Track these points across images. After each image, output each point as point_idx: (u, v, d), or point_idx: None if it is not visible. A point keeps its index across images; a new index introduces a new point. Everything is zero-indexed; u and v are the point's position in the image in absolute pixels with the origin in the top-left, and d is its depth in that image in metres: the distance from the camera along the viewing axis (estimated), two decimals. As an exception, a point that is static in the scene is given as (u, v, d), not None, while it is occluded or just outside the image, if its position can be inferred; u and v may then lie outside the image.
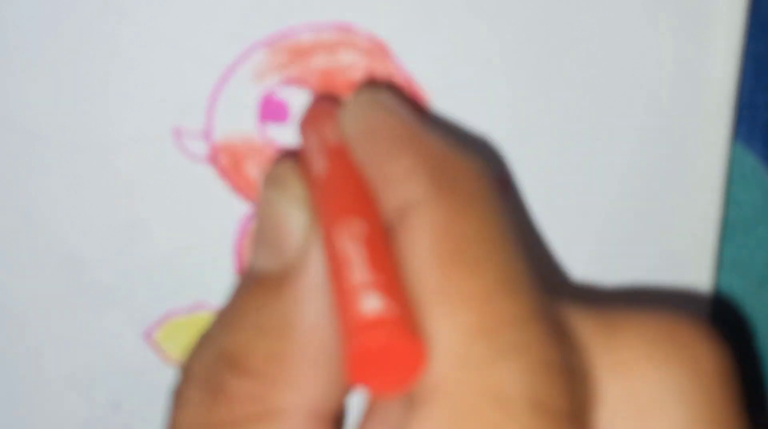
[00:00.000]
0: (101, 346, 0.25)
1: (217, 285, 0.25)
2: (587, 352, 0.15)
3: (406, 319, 0.15)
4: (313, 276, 0.17)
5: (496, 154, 0.25)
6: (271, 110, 0.23)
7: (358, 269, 0.15)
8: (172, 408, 0.18)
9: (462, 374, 0.14)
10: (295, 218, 0.18)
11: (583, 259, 0.26)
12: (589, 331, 0.16)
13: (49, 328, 0.25)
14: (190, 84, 0.23)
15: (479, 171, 0.17)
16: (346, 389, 0.18)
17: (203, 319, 0.25)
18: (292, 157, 0.20)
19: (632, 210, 0.26)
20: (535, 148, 0.25)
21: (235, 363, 0.17)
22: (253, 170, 0.24)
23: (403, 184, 0.16)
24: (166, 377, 0.26)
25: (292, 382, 0.17)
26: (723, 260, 0.28)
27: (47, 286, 0.24)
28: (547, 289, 0.16)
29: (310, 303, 0.17)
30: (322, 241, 0.17)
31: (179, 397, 0.18)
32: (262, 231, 0.19)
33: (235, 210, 0.24)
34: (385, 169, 0.17)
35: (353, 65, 0.23)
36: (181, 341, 0.25)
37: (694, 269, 0.27)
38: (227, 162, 0.24)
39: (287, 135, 0.24)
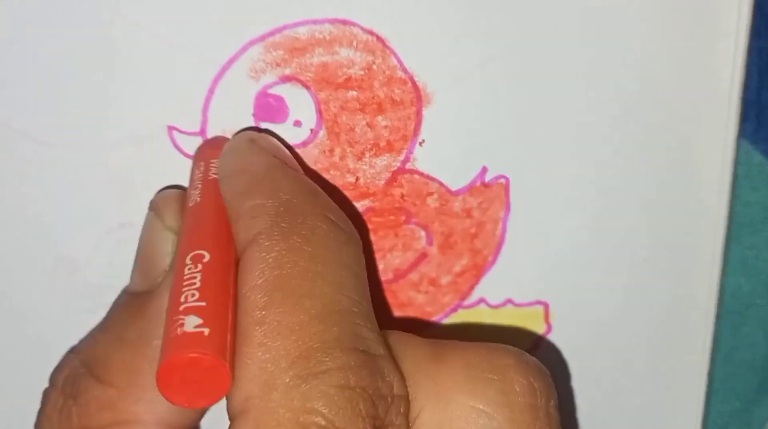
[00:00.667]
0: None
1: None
2: (412, 380, 0.17)
3: (216, 341, 0.16)
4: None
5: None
6: (267, 108, 0.23)
7: (189, 290, 0.17)
8: (38, 413, 0.19)
9: (269, 396, 0.15)
10: (163, 243, 0.20)
11: (587, 259, 0.26)
12: (418, 358, 0.17)
13: (41, 329, 0.25)
14: (185, 82, 0.23)
15: (322, 209, 0.18)
16: (200, 409, 0.19)
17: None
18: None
19: (637, 210, 0.26)
20: (536, 145, 0.25)
21: (93, 370, 0.19)
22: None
23: (248, 221, 0.18)
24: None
25: (144, 395, 0.18)
26: (730, 261, 0.28)
27: (40, 286, 0.24)
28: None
29: (163, 321, 0.18)
30: (176, 262, 0.19)
31: (43, 401, 0.19)
32: (138, 253, 0.21)
33: (231, 210, 0.24)
34: (237, 207, 0.19)
35: (352, 61, 0.23)
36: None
37: (702, 270, 0.27)
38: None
39: (283, 132, 0.23)
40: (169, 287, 0.19)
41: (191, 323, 0.16)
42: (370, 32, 0.23)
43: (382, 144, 0.24)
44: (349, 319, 0.17)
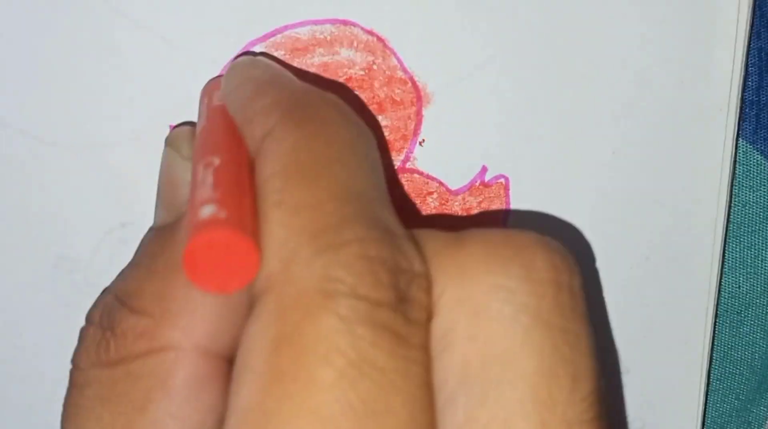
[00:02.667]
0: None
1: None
2: (433, 262, 0.16)
3: (237, 222, 0.16)
4: None
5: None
6: (269, 107, 0.23)
7: (202, 190, 0.17)
8: (75, 349, 0.19)
9: (290, 270, 0.15)
10: (183, 173, 0.20)
11: (586, 259, 0.26)
12: (438, 242, 0.17)
13: (42, 329, 0.25)
14: (187, 82, 0.23)
15: (333, 102, 0.19)
16: (237, 331, 0.19)
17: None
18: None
19: (636, 209, 0.26)
20: (536, 145, 0.25)
21: (126, 302, 0.19)
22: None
23: (261, 118, 0.18)
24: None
25: (179, 321, 0.18)
26: (729, 261, 0.28)
27: (41, 286, 0.24)
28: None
29: None
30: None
31: (80, 338, 0.19)
32: (159, 189, 0.21)
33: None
34: (248, 110, 0.19)
35: (352, 61, 0.23)
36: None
37: (700, 269, 0.27)
38: (224, 160, 0.24)
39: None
40: None
41: (207, 211, 0.16)
42: (371, 33, 0.23)
43: (383, 144, 0.24)
44: (367, 199, 0.16)
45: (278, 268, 0.15)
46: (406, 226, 0.17)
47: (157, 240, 0.20)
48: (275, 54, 0.23)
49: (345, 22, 0.23)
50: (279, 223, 0.16)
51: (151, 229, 0.21)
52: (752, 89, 0.26)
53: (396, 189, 0.25)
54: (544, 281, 0.16)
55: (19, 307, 0.25)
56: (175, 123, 0.23)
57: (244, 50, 0.23)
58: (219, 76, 0.23)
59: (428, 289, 0.16)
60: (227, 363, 0.19)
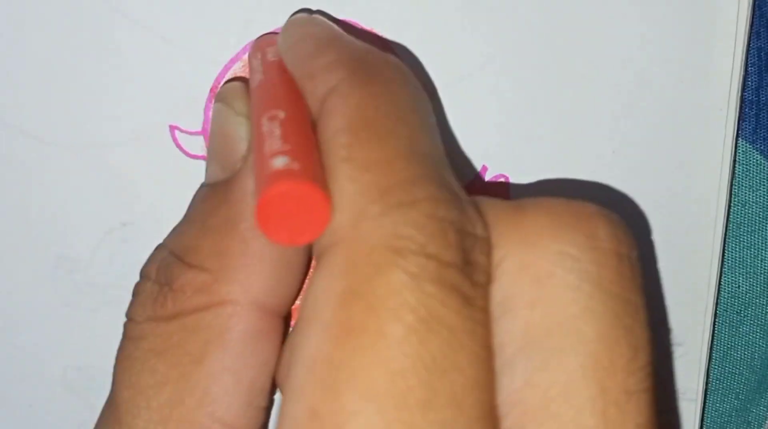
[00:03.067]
0: (96, 347, 0.25)
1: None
2: (494, 228, 0.17)
3: (310, 174, 0.16)
4: (254, 179, 0.19)
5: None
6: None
7: (271, 141, 0.17)
8: (130, 304, 0.19)
9: (359, 224, 0.15)
10: (237, 129, 0.20)
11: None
12: (499, 210, 0.17)
13: (43, 328, 0.25)
14: (187, 81, 0.23)
15: (395, 63, 0.19)
16: (293, 287, 0.19)
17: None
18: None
19: (636, 209, 0.26)
20: (536, 145, 0.25)
21: (183, 258, 0.19)
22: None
23: (324, 75, 0.18)
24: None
25: (236, 276, 0.18)
26: (729, 260, 0.28)
27: (41, 285, 0.24)
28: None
29: (251, 203, 0.19)
30: (252, 134, 0.19)
31: (136, 292, 0.19)
32: (212, 145, 0.21)
33: (233, 209, 0.24)
34: (309, 66, 0.19)
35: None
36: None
37: (700, 269, 0.27)
38: (224, 160, 0.24)
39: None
40: (250, 170, 0.19)
41: (280, 160, 0.16)
42: (370, 33, 0.23)
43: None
44: (432, 160, 0.17)
45: (348, 223, 0.15)
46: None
47: (212, 196, 0.20)
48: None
49: (345, 22, 0.23)
50: (348, 178, 0.16)
51: (203, 186, 0.20)
52: (752, 89, 0.26)
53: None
54: (606, 251, 0.16)
55: (19, 306, 0.25)
56: (175, 123, 0.23)
57: (244, 50, 0.23)
58: (269, 33, 0.22)
59: (489, 254, 0.16)
60: (281, 320, 0.19)
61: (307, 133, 0.17)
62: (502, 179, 0.25)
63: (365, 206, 0.15)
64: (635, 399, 0.16)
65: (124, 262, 0.24)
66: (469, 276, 0.15)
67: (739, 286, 0.28)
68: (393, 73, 0.18)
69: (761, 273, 0.28)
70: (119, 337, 0.25)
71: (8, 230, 0.24)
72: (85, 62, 0.22)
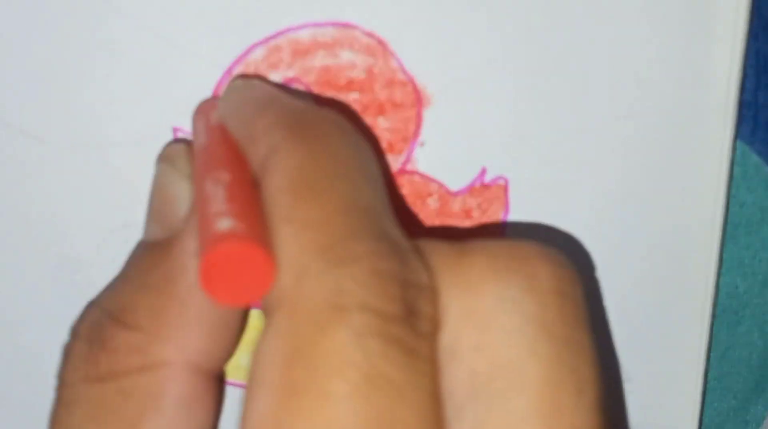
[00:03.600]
0: (99, 347, 0.25)
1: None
2: (438, 274, 0.17)
3: (255, 235, 0.16)
4: (193, 240, 0.19)
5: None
6: (270, 109, 0.23)
7: (215, 203, 0.17)
8: (60, 365, 0.19)
9: (302, 285, 0.15)
10: (180, 190, 0.20)
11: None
12: (442, 255, 0.17)
13: (45, 329, 0.25)
14: (189, 84, 0.23)
15: (333, 119, 0.19)
16: (228, 348, 0.19)
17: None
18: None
19: (634, 210, 0.26)
20: (535, 146, 0.25)
21: (118, 317, 0.19)
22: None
23: (265, 135, 0.18)
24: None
25: (173, 336, 0.18)
26: (726, 261, 0.28)
27: (43, 286, 0.24)
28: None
29: (189, 263, 0.19)
30: (195, 198, 0.19)
31: (66, 353, 0.19)
32: (152, 203, 0.21)
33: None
34: (250, 127, 0.19)
35: (353, 64, 0.23)
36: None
37: (698, 270, 0.27)
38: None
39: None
40: (192, 230, 0.19)
41: (225, 222, 0.16)
42: (371, 35, 0.23)
43: (383, 145, 0.24)
44: (373, 213, 0.17)
45: (290, 283, 0.15)
46: (409, 235, 0.17)
47: (150, 255, 0.20)
48: (276, 57, 0.23)
49: (346, 25, 0.23)
50: (289, 238, 0.16)
51: (140, 245, 0.21)
52: (750, 91, 0.26)
53: (394, 192, 0.25)
54: (547, 292, 0.16)
55: (21, 307, 0.25)
56: (178, 125, 0.23)
57: (246, 51, 0.23)
58: (212, 98, 0.23)
59: (435, 302, 0.16)
60: (217, 381, 0.19)
61: (250, 194, 0.18)
62: (502, 181, 0.25)
63: (307, 264, 0.15)
64: None
65: (127, 263, 0.24)
66: (413, 327, 0.15)
67: (736, 286, 0.28)
68: (331, 128, 0.18)
69: (759, 273, 0.28)
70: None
71: (10, 231, 0.24)
72: (87, 63, 0.22)
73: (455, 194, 0.25)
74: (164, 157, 0.21)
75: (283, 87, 0.23)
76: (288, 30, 0.23)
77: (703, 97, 0.25)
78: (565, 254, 0.18)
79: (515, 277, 0.17)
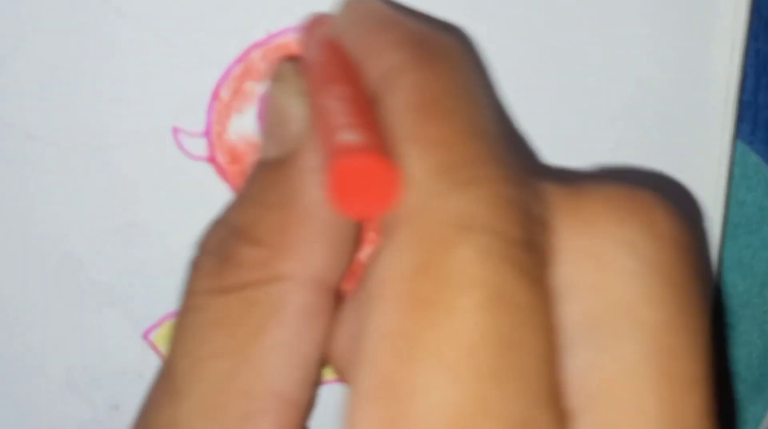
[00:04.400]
0: (99, 347, 0.25)
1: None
2: (552, 211, 0.16)
3: (382, 149, 0.16)
4: (313, 156, 0.19)
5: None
6: (271, 109, 0.23)
7: (338, 116, 0.17)
8: (186, 277, 0.19)
9: (427, 203, 0.15)
10: (294, 106, 0.20)
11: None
12: (556, 193, 0.17)
13: (46, 329, 0.25)
14: (190, 84, 0.23)
15: (456, 45, 0.19)
16: (345, 263, 0.20)
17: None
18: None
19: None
20: (535, 145, 0.25)
21: (243, 234, 0.19)
22: (253, 170, 0.24)
23: (385, 54, 0.18)
24: (165, 378, 0.26)
25: (295, 251, 0.19)
26: (726, 260, 0.28)
27: (45, 285, 0.24)
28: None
29: (310, 180, 0.19)
30: (311, 111, 0.19)
31: (193, 267, 0.19)
32: (267, 123, 0.21)
33: (235, 210, 0.24)
34: (369, 44, 0.19)
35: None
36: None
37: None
38: (227, 161, 0.24)
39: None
40: (310, 146, 0.19)
41: (351, 135, 0.16)
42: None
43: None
44: (495, 140, 0.17)
45: (416, 201, 0.15)
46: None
47: (269, 173, 0.20)
48: (276, 56, 0.23)
49: (405, 7, 0.23)
50: (415, 157, 0.16)
51: (257, 163, 0.20)
52: (749, 91, 0.26)
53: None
54: (666, 238, 0.16)
55: (23, 306, 0.25)
56: (178, 125, 0.23)
57: (246, 51, 0.23)
58: (324, 15, 0.22)
59: (549, 236, 0.16)
60: (334, 294, 0.19)
61: (371, 110, 0.17)
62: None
63: (432, 184, 0.15)
64: (695, 385, 0.16)
65: (128, 262, 0.24)
66: (534, 255, 0.15)
67: (736, 286, 0.28)
68: (453, 54, 0.18)
69: (759, 273, 0.28)
70: (123, 337, 0.25)
71: (13, 231, 0.24)
72: (87, 64, 0.22)
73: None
74: (275, 76, 0.21)
75: (402, 9, 0.22)
76: (288, 29, 0.23)
77: (702, 97, 0.25)
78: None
79: (634, 221, 0.16)
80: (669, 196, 0.17)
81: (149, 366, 0.25)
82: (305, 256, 0.19)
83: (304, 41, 0.22)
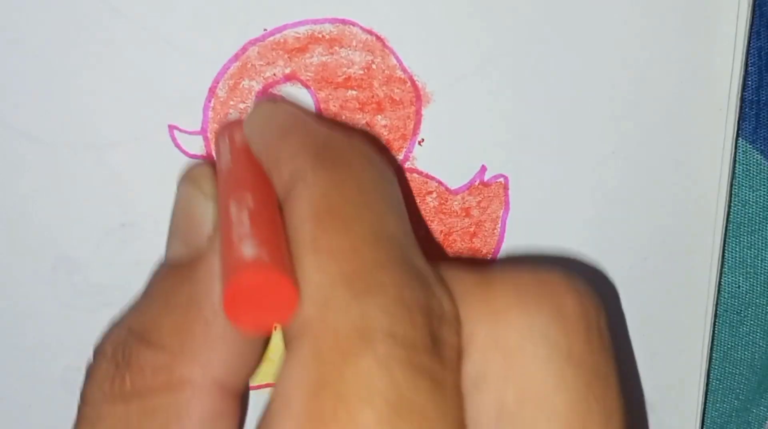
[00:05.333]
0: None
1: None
2: (462, 303, 0.17)
3: (279, 263, 0.16)
4: (219, 260, 0.19)
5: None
6: (268, 107, 0.23)
7: (239, 226, 0.17)
8: (83, 384, 0.19)
9: (327, 313, 0.15)
10: (204, 210, 0.20)
11: (585, 259, 0.26)
12: (467, 284, 0.17)
13: (42, 330, 0.25)
14: (186, 81, 0.23)
15: (359, 147, 0.19)
16: (251, 365, 0.19)
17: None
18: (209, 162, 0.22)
19: (636, 209, 0.26)
20: (536, 145, 0.25)
21: (143, 336, 0.19)
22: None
23: (290, 160, 0.18)
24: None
25: (197, 355, 0.18)
26: (729, 260, 0.28)
27: (41, 286, 0.24)
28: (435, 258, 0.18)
29: (215, 284, 0.19)
30: (219, 220, 0.19)
31: (90, 372, 0.19)
32: (176, 223, 0.21)
33: (231, 209, 0.24)
34: (275, 151, 0.19)
35: (351, 60, 0.23)
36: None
37: (700, 269, 0.27)
38: (223, 160, 0.24)
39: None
40: (215, 251, 0.19)
41: (249, 249, 0.16)
42: (370, 32, 0.23)
43: (382, 143, 0.24)
44: (398, 243, 0.17)
45: (314, 312, 0.15)
46: (431, 263, 0.17)
47: (175, 275, 0.20)
48: (274, 54, 0.23)
49: (344, 21, 0.23)
50: (314, 267, 0.16)
51: (163, 264, 0.20)
52: (752, 89, 0.26)
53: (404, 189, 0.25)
54: (574, 321, 0.17)
55: (19, 307, 0.25)
56: (174, 123, 0.23)
57: (243, 48, 0.23)
58: (236, 119, 0.23)
59: (459, 331, 0.16)
60: (239, 399, 0.19)
61: (274, 219, 0.18)
62: (502, 179, 0.25)
63: (332, 294, 0.15)
64: None
65: (124, 263, 0.24)
66: (438, 357, 0.15)
67: (739, 286, 0.28)
68: (356, 156, 0.18)
69: (761, 273, 0.28)
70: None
71: (7, 231, 0.24)
72: (83, 62, 0.22)
73: (455, 192, 0.25)
74: (188, 178, 0.21)
75: (310, 112, 0.23)
76: (285, 27, 0.23)
77: (705, 95, 0.25)
78: (589, 284, 0.18)
79: (542, 307, 0.17)
80: (582, 275, 0.18)
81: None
82: (207, 360, 0.18)
83: (217, 145, 0.22)
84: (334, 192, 0.17)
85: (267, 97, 0.23)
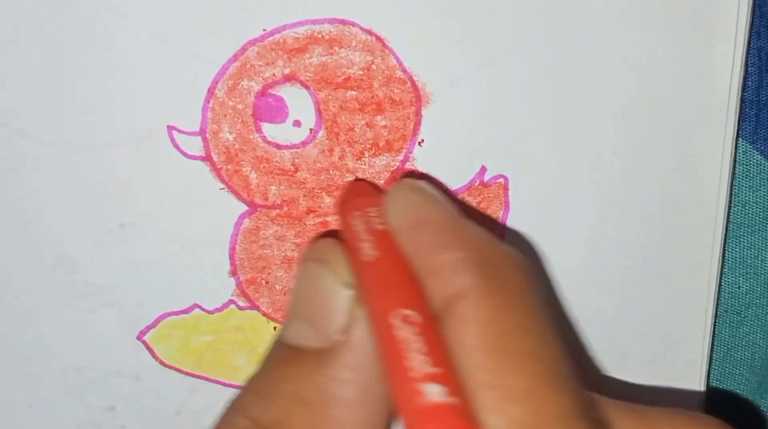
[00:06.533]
0: (94, 348, 0.25)
1: (211, 285, 0.25)
2: None
3: (466, 410, 0.15)
4: (358, 355, 0.18)
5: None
6: (267, 108, 0.23)
7: (417, 359, 0.16)
8: None
9: None
10: (340, 297, 0.19)
11: (585, 259, 0.26)
12: (624, 419, 0.17)
13: (41, 330, 0.25)
14: (185, 82, 0.23)
15: (522, 263, 0.18)
16: None
17: (197, 320, 0.25)
18: (332, 236, 0.21)
19: (636, 209, 0.26)
20: (535, 145, 0.25)
21: None
22: (248, 169, 0.24)
23: (451, 275, 0.17)
24: (160, 379, 0.26)
25: None
26: (729, 261, 0.28)
27: (40, 286, 0.24)
28: (584, 382, 0.17)
29: (353, 380, 0.18)
30: (372, 326, 0.18)
31: None
32: (302, 304, 0.19)
33: (230, 209, 0.24)
34: (432, 260, 0.18)
35: (351, 61, 0.23)
36: (174, 342, 0.25)
37: (700, 270, 0.27)
38: (222, 160, 0.24)
39: (282, 133, 0.23)
40: (359, 344, 0.18)
41: (435, 393, 0.15)
42: (370, 32, 0.23)
43: (381, 144, 0.24)
44: (573, 384, 0.16)
45: None
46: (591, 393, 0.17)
47: (302, 364, 0.19)
48: (273, 54, 0.23)
49: (344, 22, 0.23)
50: (495, 412, 0.16)
51: (286, 346, 0.19)
52: (752, 89, 0.26)
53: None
54: None
55: (18, 307, 0.25)
56: (173, 123, 0.23)
57: (242, 49, 0.23)
58: (355, 184, 0.22)
59: None
60: None
61: (441, 340, 0.16)
62: (501, 179, 0.25)
63: None
64: None
65: (123, 263, 0.24)
66: None
67: (739, 286, 0.28)
68: (516, 270, 0.18)
69: (762, 273, 0.28)
70: (118, 338, 0.25)
71: (7, 231, 0.24)
72: (82, 63, 0.22)
73: (455, 193, 0.25)
74: (316, 255, 0.20)
75: (450, 197, 0.22)
76: (285, 27, 0.23)
77: (705, 95, 0.25)
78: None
79: None
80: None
81: (144, 367, 0.25)
82: None
83: (348, 220, 0.21)
84: (505, 321, 0.16)
85: (406, 176, 0.22)
